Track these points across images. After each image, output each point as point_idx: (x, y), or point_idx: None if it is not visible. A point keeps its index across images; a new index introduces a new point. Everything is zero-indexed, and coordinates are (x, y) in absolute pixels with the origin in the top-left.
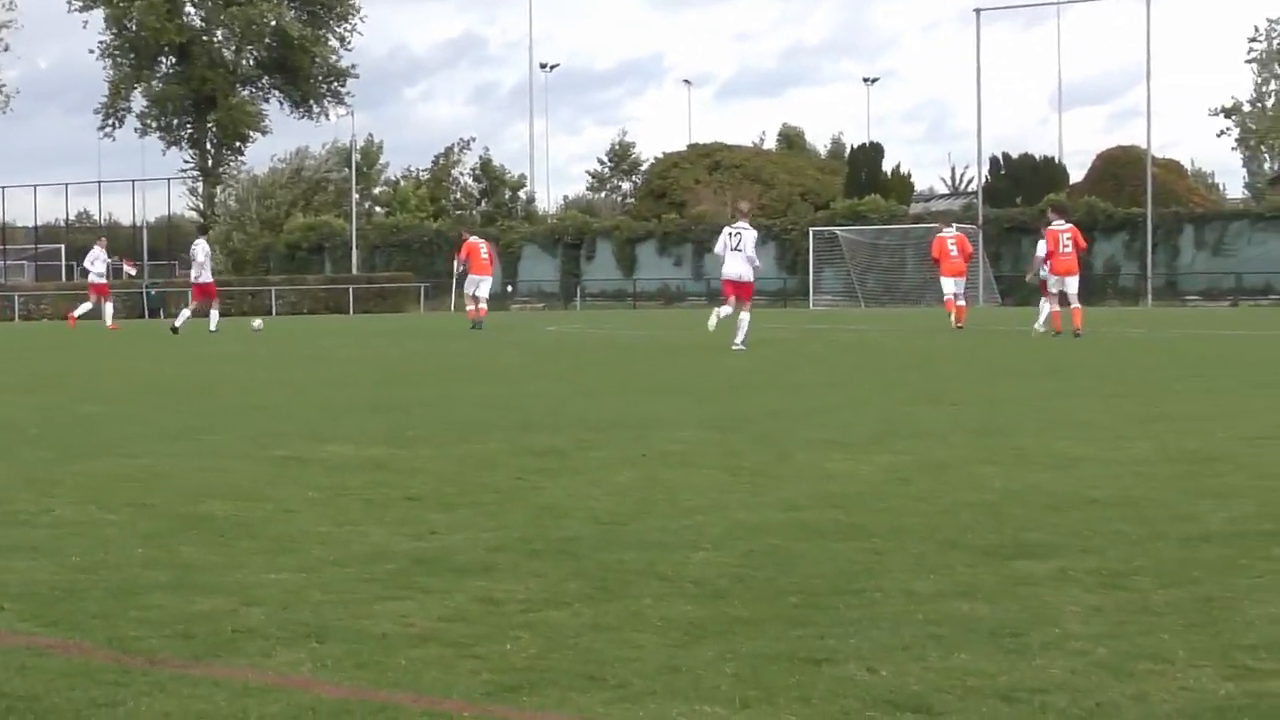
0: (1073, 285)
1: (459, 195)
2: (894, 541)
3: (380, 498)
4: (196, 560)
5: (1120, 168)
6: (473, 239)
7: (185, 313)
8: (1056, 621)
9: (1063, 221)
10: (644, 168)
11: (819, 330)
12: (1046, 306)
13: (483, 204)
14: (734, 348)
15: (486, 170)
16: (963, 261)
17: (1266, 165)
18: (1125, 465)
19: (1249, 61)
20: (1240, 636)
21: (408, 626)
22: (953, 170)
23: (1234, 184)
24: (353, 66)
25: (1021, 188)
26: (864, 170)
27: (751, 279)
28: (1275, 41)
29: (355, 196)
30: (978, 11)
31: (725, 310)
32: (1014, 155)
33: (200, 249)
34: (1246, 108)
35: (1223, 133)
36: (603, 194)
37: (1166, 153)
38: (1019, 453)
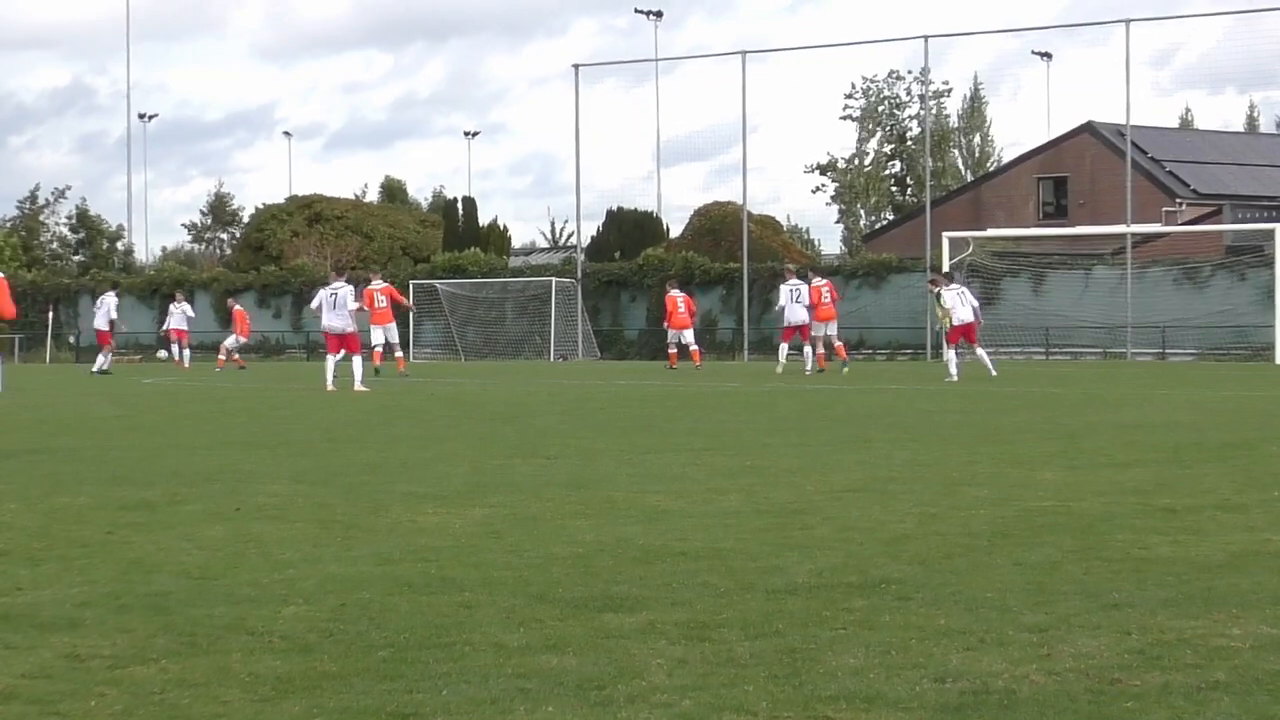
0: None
1: (55, 245)
2: (485, 595)
3: None
4: None
5: (717, 223)
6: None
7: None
8: (642, 674)
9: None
10: (245, 219)
11: (417, 383)
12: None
13: (79, 254)
14: (806, 372)
15: (83, 220)
16: (688, 317)
17: (861, 221)
18: (715, 518)
19: (844, 118)
20: (822, 687)
21: None
22: (553, 224)
23: (830, 239)
24: None
25: (624, 242)
26: (461, 223)
27: (807, 321)
28: (871, 100)
29: None
30: (576, 67)
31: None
32: (616, 210)
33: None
34: (843, 164)
35: (818, 189)
36: (203, 246)
37: (767, 209)
38: (610, 506)
